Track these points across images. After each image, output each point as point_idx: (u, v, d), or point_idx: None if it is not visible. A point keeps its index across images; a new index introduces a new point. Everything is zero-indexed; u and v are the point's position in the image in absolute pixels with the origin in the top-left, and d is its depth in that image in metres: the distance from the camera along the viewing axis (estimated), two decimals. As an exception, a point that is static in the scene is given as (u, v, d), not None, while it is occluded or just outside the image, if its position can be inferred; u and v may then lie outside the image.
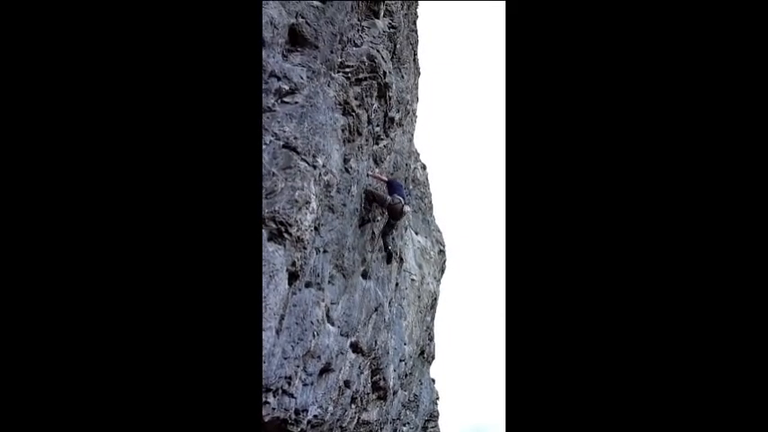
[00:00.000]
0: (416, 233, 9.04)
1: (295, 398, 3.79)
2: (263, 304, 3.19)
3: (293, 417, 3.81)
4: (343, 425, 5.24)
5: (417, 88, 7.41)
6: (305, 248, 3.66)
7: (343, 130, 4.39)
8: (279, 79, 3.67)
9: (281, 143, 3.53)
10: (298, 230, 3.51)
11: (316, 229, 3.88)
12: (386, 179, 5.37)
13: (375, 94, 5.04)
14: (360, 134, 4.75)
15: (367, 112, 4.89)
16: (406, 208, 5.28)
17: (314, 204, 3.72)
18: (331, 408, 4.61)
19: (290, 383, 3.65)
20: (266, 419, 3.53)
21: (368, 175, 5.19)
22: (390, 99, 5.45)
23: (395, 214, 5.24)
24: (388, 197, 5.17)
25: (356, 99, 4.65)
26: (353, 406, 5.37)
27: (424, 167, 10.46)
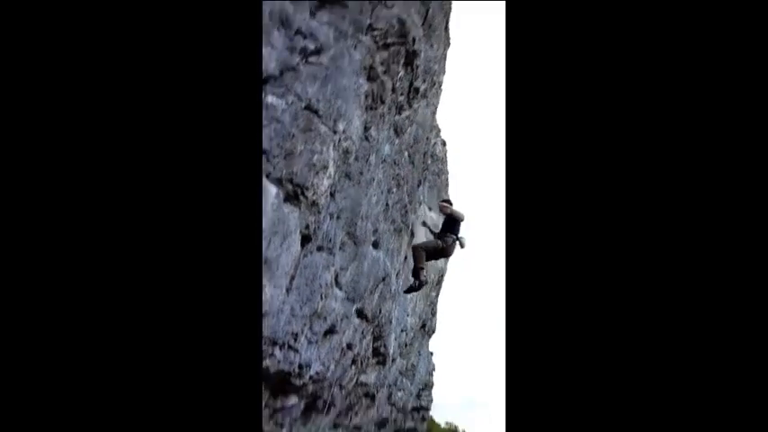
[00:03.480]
0: (429, 209, 9.01)
1: (299, 353, 3.97)
2: (276, 263, 3.28)
3: (297, 371, 4.00)
4: (343, 383, 5.50)
5: (446, 60, 7.11)
6: (319, 213, 3.70)
7: (366, 97, 4.29)
8: (305, 37, 3.57)
9: (303, 104, 3.48)
10: (313, 194, 3.53)
11: (331, 194, 3.90)
12: (448, 211, 4.85)
13: (402, 60, 4.86)
14: (383, 102, 4.64)
15: (392, 79, 4.75)
16: (462, 244, 4.75)
17: (331, 170, 3.72)
18: (332, 366, 4.82)
19: (295, 339, 3.81)
20: (271, 371, 3.73)
21: (439, 204, 4.78)
22: (417, 68, 5.26)
23: (447, 254, 4.83)
24: (439, 242, 4.66)
25: (382, 64, 4.51)
26: (353, 367, 5.60)
27: (444, 144, 10.25)
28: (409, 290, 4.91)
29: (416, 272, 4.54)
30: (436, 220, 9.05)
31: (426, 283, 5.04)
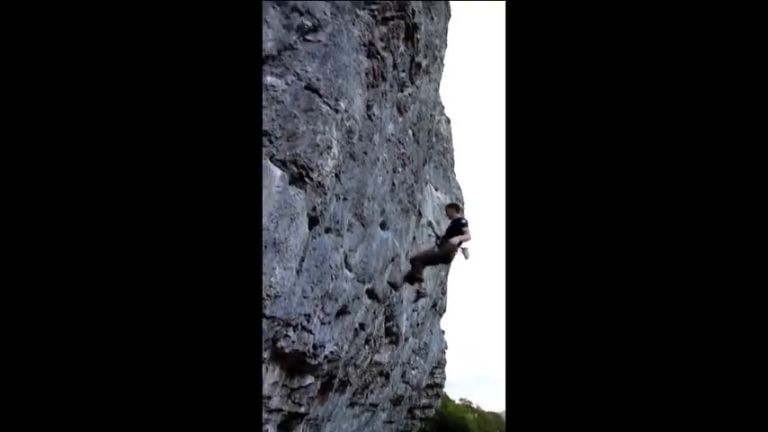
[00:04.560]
0: (436, 189, 8.93)
1: (313, 334, 4.03)
2: (285, 245, 3.29)
3: (311, 351, 4.08)
4: (357, 363, 5.60)
5: (447, 32, 6.90)
6: (325, 194, 3.68)
7: (366, 74, 4.20)
8: (301, 14, 3.48)
9: (303, 84, 3.42)
10: (319, 175, 3.51)
11: (336, 175, 3.87)
12: (456, 217, 4.68)
13: (402, 35, 4.73)
14: (384, 79, 4.54)
15: (393, 55, 4.63)
16: (465, 255, 4.54)
17: (335, 150, 3.68)
18: (346, 346, 4.90)
19: (308, 320, 3.86)
20: (286, 351, 3.80)
21: (446, 208, 4.53)
22: (418, 42, 5.12)
23: (447, 261, 4.68)
24: (436, 249, 4.55)
25: (382, 40, 4.39)
26: (367, 347, 5.70)
27: (448, 121, 10.08)
28: (393, 286, 4.85)
29: (412, 279, 4.46)
30: (443, 200, 8.98)
31: (425, 295, 4.92)
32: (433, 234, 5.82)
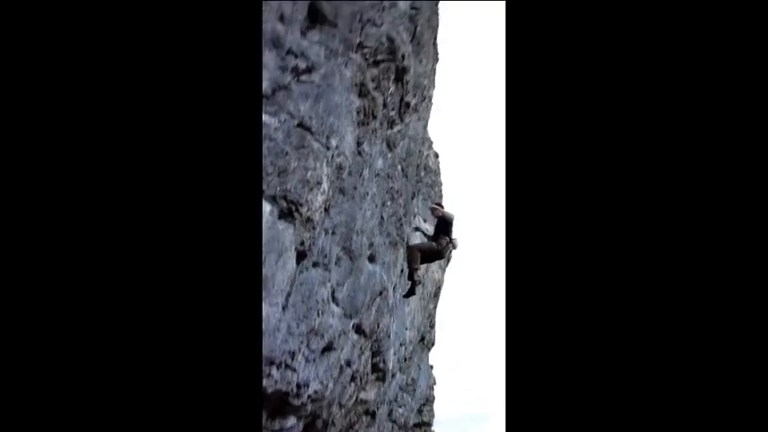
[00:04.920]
0: (425, 221, 9.03)
1: (297, 372, 3.90)
2: (272, 281, 3.25)
3: (295, 390, 3.93)
4: (342, 401, 5.39)
5: (435, 74, 7.27)
6: (314, 229, 3.70)
7: (358, 113, 4.35)
8: (296, 57, 3.64)
9: (296, 122, 3.52)
10: (308, 210, 3.54)
11: (326, 210, 3.91)
12: (440, 214, 4.87)
13: (392, 77, 4.96)
14: (374, 117, 4.71)
15: (383, 95, 4.83)
16: (454, 245, 4.75)
17: (325, 185, 3.74)
18: (331, 385, 4.73)
19: (293, 358, 3.75)
20: (269, 391, 3.65)
21: (430, 207, 4.78)
22: (407, 83, 5.37)
23: (442, 256, 4.86)
24: (434, 244, 4.70)
25: (373, 81, 4.59)
26: (353, 384, 5.51)
27: (436, 156, 10.36)
28: (408, 294, 4.91)
29: (411, 273, 4.52)
30: (431, 231, 9.07)
31: (420, 282, 4.96)
32: (422, 234, 5.85)
